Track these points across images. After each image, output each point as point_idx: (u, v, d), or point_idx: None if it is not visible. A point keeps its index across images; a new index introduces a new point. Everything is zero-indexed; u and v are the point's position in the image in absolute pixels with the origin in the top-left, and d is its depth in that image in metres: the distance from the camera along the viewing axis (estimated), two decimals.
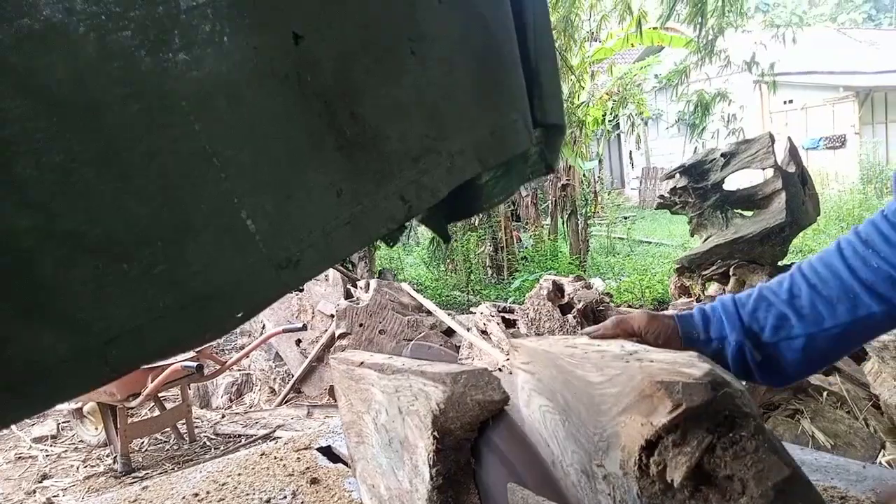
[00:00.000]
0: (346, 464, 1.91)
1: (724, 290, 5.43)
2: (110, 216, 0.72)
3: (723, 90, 12.04)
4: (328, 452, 2.02)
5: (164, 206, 0.74)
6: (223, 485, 1.85)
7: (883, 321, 1.16)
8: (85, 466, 6.23)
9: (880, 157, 18.01)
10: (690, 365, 0.84)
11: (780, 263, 5.41)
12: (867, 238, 1.18)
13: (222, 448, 6.30)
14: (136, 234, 0.73)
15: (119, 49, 0.72)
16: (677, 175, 5.51)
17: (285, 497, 1.74)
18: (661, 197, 5.61)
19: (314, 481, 1.79)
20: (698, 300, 5.78)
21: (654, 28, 11.60)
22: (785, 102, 19.86)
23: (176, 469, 5.77)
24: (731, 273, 5.31)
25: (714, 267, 5.31)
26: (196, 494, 1.80)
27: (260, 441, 6.24)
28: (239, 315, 0.78)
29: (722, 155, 5.31)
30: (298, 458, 1.99)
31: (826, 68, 20.66)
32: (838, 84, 19.48)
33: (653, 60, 14.67)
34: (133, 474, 5.78)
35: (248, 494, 1.77)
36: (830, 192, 15.26)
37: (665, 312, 1.32)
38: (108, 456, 6.20)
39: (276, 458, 2.02)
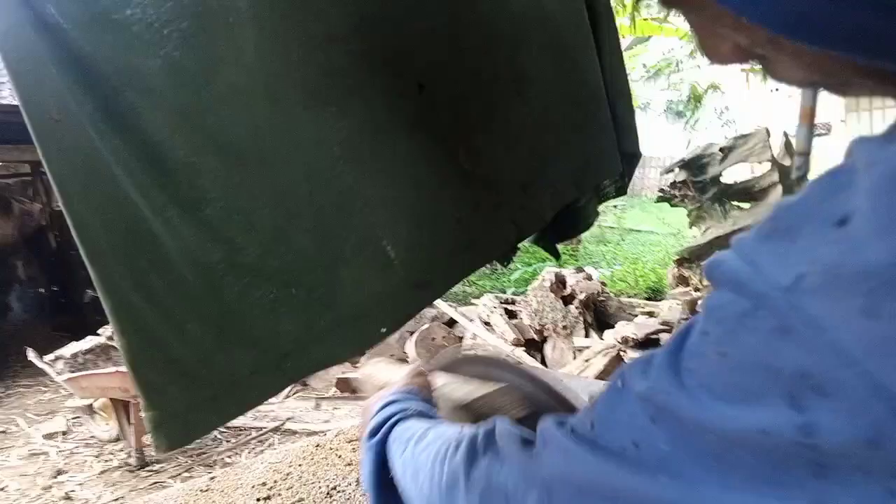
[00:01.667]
0: None
1: None
2: (281, 248, 0.85)
3: (715, 82, 12.22)
4: None
5: (323, 238, 0.87)
6: (287, 475, 1.98)
7: None
8: (99, 461, 6.32)
9: None
10: None
11: None
12: None
13: (233, 441, 6.42)
14: (301, 263, 0.86)
15: (285, 104, 0.85)
16: (676, 169, 5.68)
17: (350, 484, 1.88)
18: (662, 190, 5.78)
19: None
20: (696, 290, 5.97)
21: (645, 19, 11.73)
22: (771, 91, 20.09)
23: (191, 462, 5.89)
24: None
25: None
26: (264, 483, 1.94)
27: (271, 433, 6.37)
28: (384, 330, 0.91)
29: (720, 149, 5.48)
30: (353, 448, 2.13)
31: None
32: None
33: (641, 50, 14.79)
34: (148, 468, 5.89)
35: (313, 483, 1.91)
36: None
37: None
38: (121, 450, 6.30)
39: (331, 448, 2.16)
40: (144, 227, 0.76)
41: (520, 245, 1.41)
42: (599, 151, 1.13)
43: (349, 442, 2.22)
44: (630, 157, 1.25)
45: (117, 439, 6.33)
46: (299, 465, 2.05)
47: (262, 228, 0.84)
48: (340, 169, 0.89)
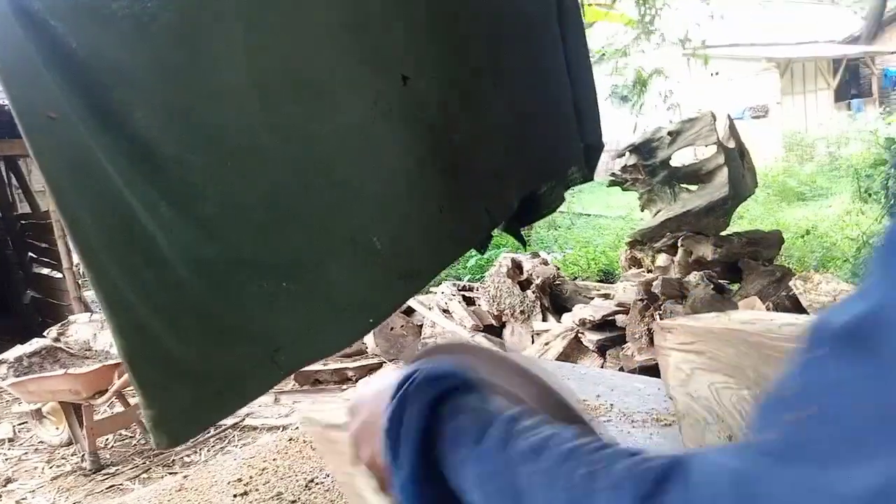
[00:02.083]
0: None
1: (672, 260, 5.78)
2: (276, 244, 0.85)
3: (659, 67, 12.48)
4: None
5: (316, 232, 0.87)
6: (263, 469, 1.98)
7: None
8: (50, 467, 6.13)
9: (800, 125, 19.03)
10: None
11: (722, 233, 5.80)
12: None
13: (192, 441, 6.30)
14: (295, 258, 0.86)
15: (275, 100, 0.85)
16: (627, 153, 5.81)
17: (327, 476, 1.88)
18: (613, 175, 5.90)
19: None
20: (649, 271, 6.13)
21: (590, 5, 11.88)
22: (712, 75, 20.64)
23: (148, 463, 5.77)
24: (679, 244, 5.66)
25: (664, 239, 5.65)
26: (240, 479, 1.93)
27: (231, 430, 6.28)
28: (371, 321, 0.93)
29: (668, 133, 5.63)
30: None
31: (748, 41, 21.56)
32: (761, 56, 20.39)
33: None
34: (104, 471, 5.74)
35: (290, 476, 1.91)
36: (756, 161, 16.02)
37: None
38: (73, 455, 6.12)
39: (304, 441, 2.15)
40: (137, 224, 0.76)
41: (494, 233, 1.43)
42: (562, 141, 1.17)
43: None
44: (594, 148, 1.29)
45: (69, 443, 6.15)
46: (274, 460, 2.04)
47: (256, 224, 0.85)
48: (332, 163, 0.90)
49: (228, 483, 1.93)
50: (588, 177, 1.35)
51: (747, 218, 11.55)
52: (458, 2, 0.99)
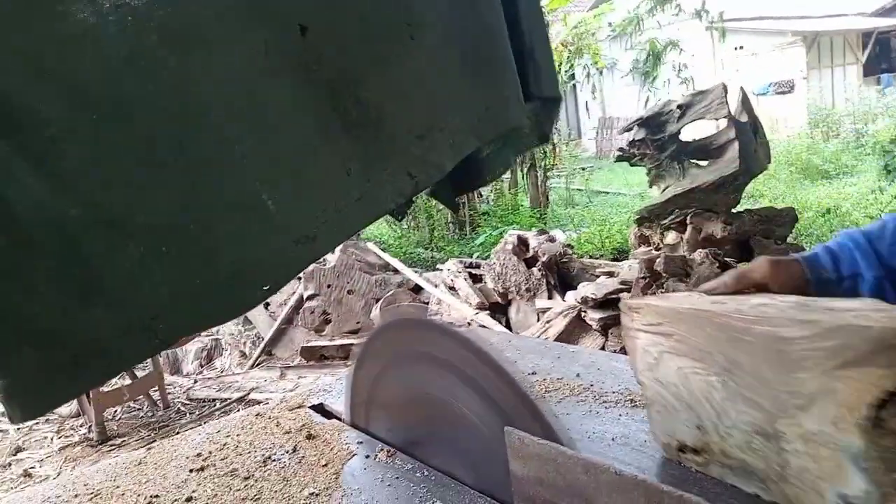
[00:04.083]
0: (339, 419, 2.01)
1: (682, 238, 5.65)
2: (148, 203, 0.79)
3: (674, 39, 12.19)
4: (321, 410, 2.12)
5: (195, 192, 0.81)
6: (224, 445, 1.94)
7: None
8: (59, 437, 6.24)
9: (826, 101, 18.53)
10: None
11: (733, 210, 5.64)
12: None
13: (197, 413, 6.37)
14: (171, 219, 0.80)
15: (145, 46, 0.78)
16: (635, 128, 5.66)
17: (286, 452, 1.84)
18: (621, 150, 5.76)
19: (311, 437, 1.89)
20: (657, 249, 6.00)
21: None
22: (736, 49, 20.14)
23: (153, 435, 5.84)
24: (688, 221, 5.52)
25: (672, 216, 5.51)
26: (199, 454, 1.89)
27: (235, 404, 6.33)
28: (266, 288, 0.86)
29: (678, 106, 5.46)
30: (293, 417, 2.09)
31: (775, 13, 20.98)
32: (787, 29, 19.83)
33: (606, 8, 14.68)
34: (110, 442, 5.82)
35: (249, 452, 1.87)
36: (780, 138, 15.68)
37: (785, 257, 1.30)
38: (81, 426, 6.22)
39: (270, 417, 2.12)
40: None
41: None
42: (501, 99, 1.08)
43: (291, 410, 2.18)
44: (551, 101, 1.20)
45: (78, 414, 6.25)
46: (237, 435, 2.01)
47: (125, 182, 0.78)
48: (213, 117, 0.83)
49: (188, 458, 1.90)
50: (545, 136, 1.26)
51: (769, 196, 11.32)
52: None
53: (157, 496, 1.64)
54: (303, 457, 1.76)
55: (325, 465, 1.68)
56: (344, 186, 0.93)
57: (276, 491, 1.59)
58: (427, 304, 7.10)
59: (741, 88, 5.81)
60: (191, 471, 1.79)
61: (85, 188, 0.76)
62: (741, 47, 20.19)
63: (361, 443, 1.78)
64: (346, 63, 0.94)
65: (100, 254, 0.77)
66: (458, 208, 1.41)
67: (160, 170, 0.80)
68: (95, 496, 1.71)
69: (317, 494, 1.54)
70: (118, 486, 1.73)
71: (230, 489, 1.63)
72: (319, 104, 0.91)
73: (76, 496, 1.71)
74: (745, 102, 5.55)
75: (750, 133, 5.40)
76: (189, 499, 1.61)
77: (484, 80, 1.07)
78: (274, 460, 1.79)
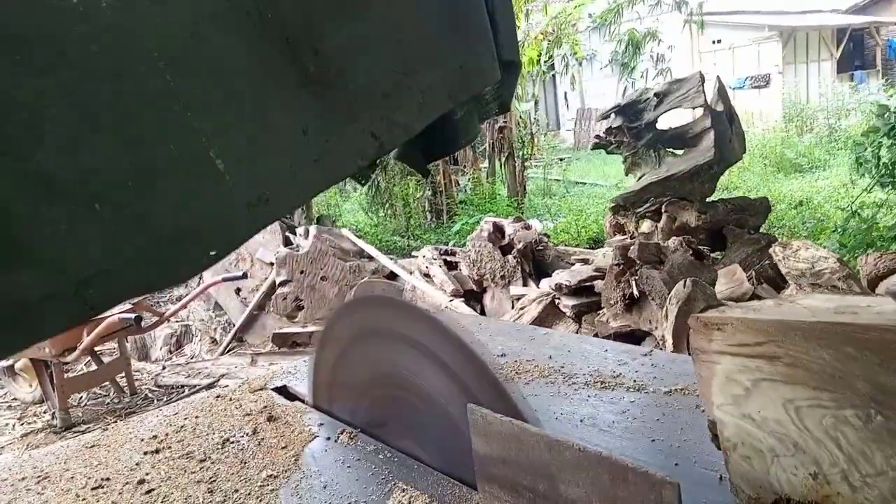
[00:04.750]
0: (302, 401, 1.96)
1: (656, 226, 5.65)
2: (80, 157, 0.72)
3: (652, 29, 12.21)
4: (284, 392, 2.06)
5: (133, 146, 0.74)
6: (181, 427, 1.88)
7: None
8: (21, 424, 6.08)
9: (801, 96, 18.73)
10: None
11: (708, 200, 5.66)
12: None
13: (165, 399, 6.25)
14: (106, 175, 0.73)
15: None
16: (612, 115, 5.63)
17: (245, 434, 1.78)
18: (598, 137, 5.74)
19: (272, 419, 1.84)
20: (632, 237, 6.00)
21: None
22: (713, 42, 20.27)
23: (119, 423, 5.73)
24: (663, 210, 5.53)
25: (647, 205, 5.51)
26: (155, 436, 1.83)
27: (205, 390, 6.23)
28: (213, 253, 0.80)
29: (655, 94, 5.44)
30: (255, 398, 2.03)
31: (752, 7, 21.15)
32: (763, 24, 19.99)
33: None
34: (74, 429, 5.69)
35: (207, 434, 1.81)
36: (755, 131, 15.82)
37: None
38: (45, 412, 6.07)
39: (231, 399, 2.05)
40: None
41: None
42: (475, 58, 1.02)
43: (253, 392, 2.11)
44: (510, 65, 1.15)
45: (41, 401, 6.10)
46: (196, 417, 1.94)
47: (53, 133, 0.71)
48: (153, 66, 0.76)
49: (143, 440, 1.83)
50: (505, 104, 1.20)
51: (743, 188, 11.42)
52: None
53: (107, 479, 1.57)
54: (262, 439, 1.70)
55: (285, 447, 1.62)
56: (300, 146, 0.87)
57: (232, 473, 1.53)
58: (401, 290, 7.04)
59: (717, 78, 5.81)
60: (145, 453, 1.72)
61: (7, 138, 0.69)
62: (719, 41, 20.32)
63: (322, 424, 1.73)
64: (303, 12, 0.87)
65: (24, 212, 0.70)
66: (428, 173, 1.38)
67: (92, 120, 0.73)
68: (44, 479, 1.63)
69: (275, 476, 1.48)
70: (68, 469, 1.66)
71: (185, 471, 1.57)
72: (274, 56, 0.85)
73: (23, 479, 1.63)
74: (722, 92, 5.56)
75: (726, 122, 5.41)
76: (142, 481, 1.54)
77: (458, 38, 1.01)
78: (232, 442, 1.73)
